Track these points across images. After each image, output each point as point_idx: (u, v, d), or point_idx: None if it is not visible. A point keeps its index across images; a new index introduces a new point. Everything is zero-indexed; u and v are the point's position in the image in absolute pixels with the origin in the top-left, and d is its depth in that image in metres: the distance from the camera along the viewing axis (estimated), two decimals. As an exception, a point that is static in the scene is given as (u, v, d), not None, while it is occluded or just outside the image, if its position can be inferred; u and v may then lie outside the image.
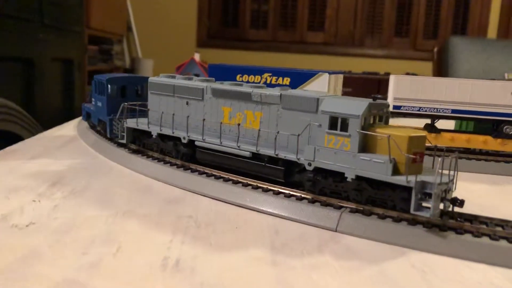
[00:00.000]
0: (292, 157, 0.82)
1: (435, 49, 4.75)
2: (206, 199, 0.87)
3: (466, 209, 0.78)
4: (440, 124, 1.27)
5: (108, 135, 1.14)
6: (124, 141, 1.07)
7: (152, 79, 1.04)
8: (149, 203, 0.84)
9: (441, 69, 4.46)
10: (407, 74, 2.49)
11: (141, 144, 1.08)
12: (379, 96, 0.76)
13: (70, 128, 1.49)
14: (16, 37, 2.70)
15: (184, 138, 0.97)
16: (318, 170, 0.80)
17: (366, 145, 0.75)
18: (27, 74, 2.92)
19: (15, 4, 2.68)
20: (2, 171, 0.99)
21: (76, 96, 3.72)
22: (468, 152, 1.25)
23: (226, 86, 0.92)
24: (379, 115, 0.78)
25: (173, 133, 0.98)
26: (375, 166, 0.72)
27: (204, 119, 0.94)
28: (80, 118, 1.61)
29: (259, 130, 0.87)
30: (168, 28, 5.87)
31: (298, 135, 0.81)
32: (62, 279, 0.55)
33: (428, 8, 5.60)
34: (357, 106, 0.74)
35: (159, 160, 1.02)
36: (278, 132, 0.84)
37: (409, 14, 5.71)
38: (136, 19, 5.70)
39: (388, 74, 2.42)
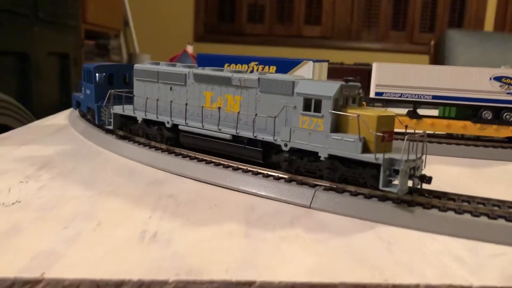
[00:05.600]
0: (269, 138, 0.85)
1: (432, 42, 4.77)
2: (188, 181, 0.90)
3: (439, 188, 0.82)
4: (426, 111, 1.31)
5: (96, 122, 1.17)
6: (111, 127, 1.10)
7: (137, 66, 1.07)
8: (132, 184, 0.87)
9: (438, 62, 4.47)
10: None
11: (128, 130, 1.11)
12: (351, 78, 0.79)
13: (62, 118, 1.52)
14: (10, 32, 2.71)
15: (168, 122, 1.00)
16: (293, 151, 0.83)
17: (338, 125, 0.78)
18: (23, 69, 2.94)
19: (10, -2, 2.68)
20: (-8, 156, 1.02)
21: (73, 91, 3.74)
22: (449, 137, 1.28)
23: (207, 71, 0.95)
24: (352, 97, 0.81)
25: (157, 118, 1.01)
26: (346, 145, 0.75)
27: (186, 104, 0.97)
28: (72, 108, 1.64)
29: (239, 113, 0.90)
30: (165, 23, 5.88)
31: (275, 117, 0.84)
32: (41, 250, 0.58)
33: (424, 1, 5.61)
34: (329, 88, 0.77)
35: (144, 145, 1.05)
36: (256, 115, 0.87)
37: (405, 7, 5.72)
38: (133, 14, 5.71)
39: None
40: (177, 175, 0.93)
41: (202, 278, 0.53)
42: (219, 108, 0.92)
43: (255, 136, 0.87)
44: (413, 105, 1.28)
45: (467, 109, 1.28)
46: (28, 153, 1.05)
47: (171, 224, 0.69)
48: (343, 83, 0.79)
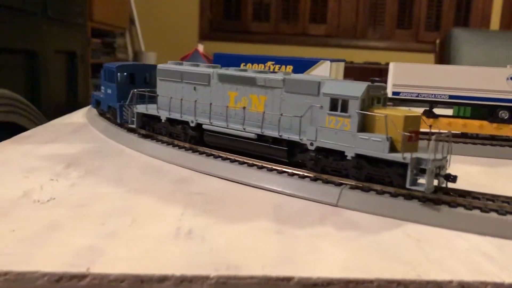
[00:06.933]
0: (295, 137, 0.87)
1: (437, 41, 4.76)
2: (214, 179, 0.92)
3: (460, 187, 0.83)
4: (440, 111, 1.32)
5: (119, 121, 1.19)
6: (134, 126, 1.12)
7: (160, 66, 1.09)
8: (159, 182, 0.89)
9: (444, 61, 4.48)
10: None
11: (150, 128, 1.13)
12: (377, 79, 0.81)
13: (79, 116, 1.53)
14: (19, 29, 2.73)
15: (192, 122, 1.01)
16: (319, 150, 0.84)
17: (364, 125, 0.80)
18: (31, 66, 2.96)
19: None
20: (19, 154, 1.04)
21: (80, 89, 3.77)
22: (465, 137, 1.29)
23: (231, 71, 0.97)
24: (377, 97, 0.83)
25: (181, 117, 1.03)
26: (373, 145, 0.77)
27: (211, 104, 0.99)
28: (89, 107, 1.66)
29: (264, 113, 0.91)
30: (170, 21, 5.89)
31: (301, 116, 0.85)
32: (82, 245, 0.60)
33: (430, 0, 5.61)
34: (356, 88, 0.79)
35: (168, 143, 1.07)
36: (281, 115, 0.88)
37: (411, 6, 5.72)
38: (138, 13, 5.72)
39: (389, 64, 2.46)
40: (202, 173, 0.95)
41: (242, 274, 0.55)
42: (244, 108, 0.94)
43: (280, 136, 0.88)
44: (429, 105, 1.30)
45: (482, 109, 1.29)
46: (52, 151, 1.07)
47: (204, 221, 0.71)
48: (370, 83, 0.80)
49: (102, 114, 1.38)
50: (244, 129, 0.94)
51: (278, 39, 5.89)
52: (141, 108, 1.11)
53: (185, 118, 1.03)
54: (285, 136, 0.88)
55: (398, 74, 1.27)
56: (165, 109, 1.07)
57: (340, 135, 0.80)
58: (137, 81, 1.20)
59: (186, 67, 1.05)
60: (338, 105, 0.80)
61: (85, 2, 3.86)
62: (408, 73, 1.27)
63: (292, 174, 0.87)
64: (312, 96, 0.85)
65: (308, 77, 0.87)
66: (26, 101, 2.31)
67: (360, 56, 5.61)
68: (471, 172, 1.07)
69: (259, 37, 5.87)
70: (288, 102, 0.89)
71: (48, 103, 3.08)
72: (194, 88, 1.03)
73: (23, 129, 2.06)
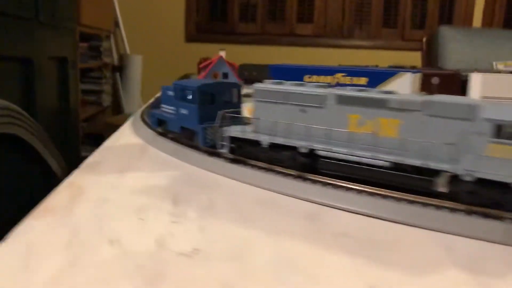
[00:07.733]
0: (447, 167, 0.78)
1: (424, 39, 4.78)
2: (343, 213, 0.82)
3: None
4: None
5: (202, 144, 1.08)
6: (225, 151, 1.01)
7: (258, 86, 0.98)
8: (288, 219, 0.79)
9: (431, 59, 4.50)
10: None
11: (242, 153, 1.02)
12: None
13: (130, 136, 1.40)
14: (13, 36, 2.60)
15: (303, 147, 0.92)
16: (477, 181, 0.76)
17: (537, 154, 0.72)
18: (25, 74, 2.82)
19: (12, 2, 2.57)
20: (104, 186, 0.92)
21: (71, 95, 3.62)
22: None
23: (353, 92, 0.88)
24: (541, 122, 0.75)
25: (289, 142, 0.93)
26: (554, 176, 0.69)
27: (328, 128, 0.89)
28: (128, 123, 1.55)
29: (401, 138, 0.82)
30: (156, 23, 5.77)
31: (454, 144, 0.77)
32: (292, 319, 0.50)
33: (414, -1, 5.67)
34: (529, 114, 0.71)
35: (268, 170, 0.96)
36: (428, 142, 0.80)
37: (396, 5, 5.76)
38: (123, 15, 5.58)
39: (401, 67, 2.40)
40: (325, 206, 0.85)
41: None
42: (373, 132, 0.85)
43: (427, 165, 0.80)
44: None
45: None
46: (140, 183, 0.95)
47: (387, 274, 0.61)
48: (541, 107, 0.72)
49: (163, 134, 1.27)
50: (373, 156, 0.84)
51: (266, 40, 5.84)
52: (234, 132, 1.00)
53: (294, 143, 0.93)
54: (433, 165, 0.79)
55: (487, 86, 1.20)
56: (265, 133, 0.97)
57: (509, 165, 0.72)
58: (217, 101, 1.09)
59: (292, 87, 0.95)
60: (505, 132, 0.72)
61: (74, 6, 3.72)
62: (496, 84, 1.20)
63: (440, 207, 0.79)
64: (465, 121, 0.76)
65: (457, 99, 0.79)
66: (22, 110, 2.17)
67: (347, 56, 5.60)
68: None
69: (246, 38, 5.81)
70: (430, 127, 0.80)
71: (42, 111, 2.95)
72: (303, 110, 0.93)
73: (20, 140, 1.91)
